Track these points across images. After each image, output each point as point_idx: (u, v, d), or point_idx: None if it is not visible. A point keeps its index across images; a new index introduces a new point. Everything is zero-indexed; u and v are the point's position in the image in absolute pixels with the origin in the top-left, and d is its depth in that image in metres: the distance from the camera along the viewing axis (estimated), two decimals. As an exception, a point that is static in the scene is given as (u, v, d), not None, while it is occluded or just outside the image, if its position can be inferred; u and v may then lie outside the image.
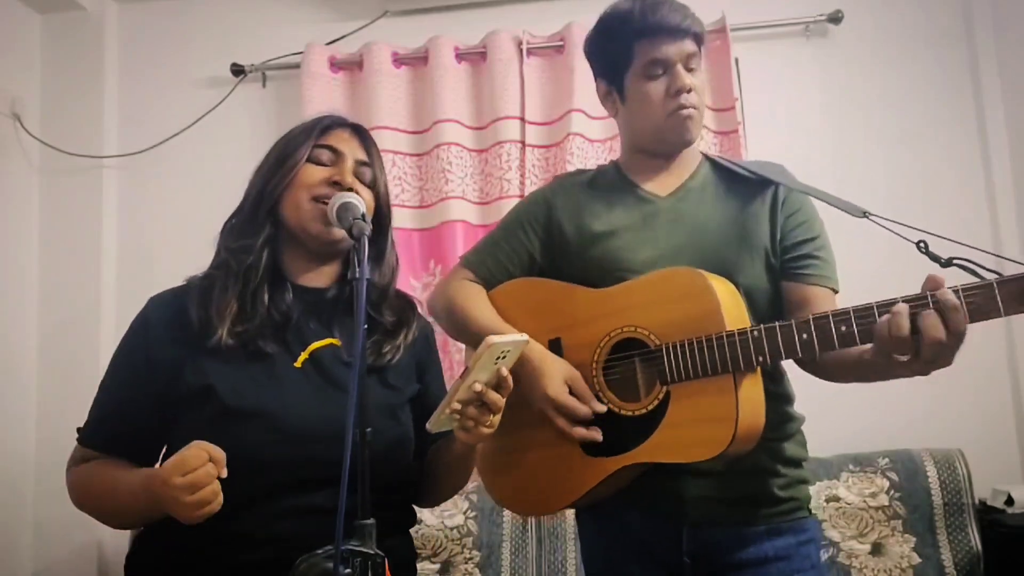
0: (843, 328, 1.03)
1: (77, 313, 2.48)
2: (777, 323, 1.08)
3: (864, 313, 1.02)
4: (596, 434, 1.18)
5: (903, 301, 0.98)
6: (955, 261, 1.04)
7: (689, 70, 1.24)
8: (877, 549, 2.04)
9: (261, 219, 1.14)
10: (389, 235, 1.25)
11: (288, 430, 1.04)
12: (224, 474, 0.93)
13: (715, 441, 1.07)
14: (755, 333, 1.08)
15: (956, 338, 0.95)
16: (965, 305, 0.94)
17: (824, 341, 1.04)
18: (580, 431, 1.18)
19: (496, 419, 1.09)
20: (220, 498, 0.93)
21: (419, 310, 1.29)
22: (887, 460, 2.10)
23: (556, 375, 1.20)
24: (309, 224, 1.13)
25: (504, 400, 1.07)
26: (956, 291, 0.95)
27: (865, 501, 2.06)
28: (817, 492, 2.05)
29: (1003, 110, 2.36)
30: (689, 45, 1.24)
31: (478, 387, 1.05)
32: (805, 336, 1.05)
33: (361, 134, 1.22)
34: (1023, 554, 1.94)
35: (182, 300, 1.11)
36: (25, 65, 2.56)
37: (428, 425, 1.10)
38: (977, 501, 2.07)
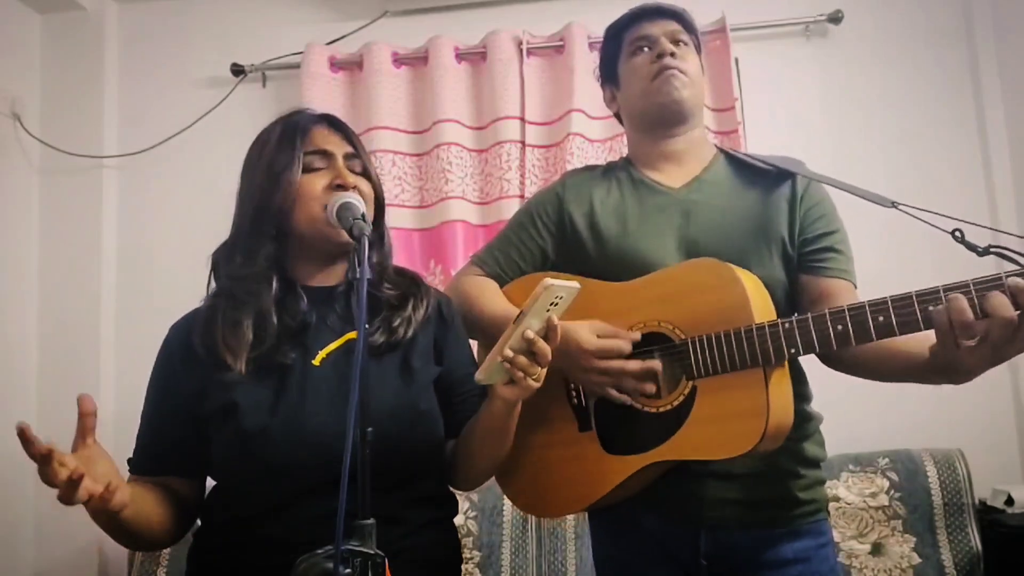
0: (880, 319, 0.97)
1: (77, 313, 2.48)
2: (810, 314, 1.04)
3: (903, 303, 0.96)
4: (650, 386, 1.13)
5: (949, 291, 0.92)
6: (992, 249, 0.99)
7: (675, 43, 1.28)
8: (877, 549, 2.04)
9: (262, 238, 1.12)
10: (384, 221, 1.23)
11: (307, 437, 1.04)
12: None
13: (745, 437, 1.04)
14: (787, 325, 1.04)
15: None
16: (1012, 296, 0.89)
17: (861, 333, 0.98)
18: (631, 384, 1.13)
19: (543, 373, 1.04)
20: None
21: (423, 282, 1.24)
22: (887, 460, 2.10)
23: (584, 331, 1.15)
24: (328, 233, 1.11)
25: (551, 352, 1.02)
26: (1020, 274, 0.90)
27: (865, 501, 2.06)
28: (817, 492, 2.06)
29: (1003, 110, 2.36)
30: (671, 24, 1.30)
31: (530, 334, 0.99)
32: (840, 328, 1.00)
33: (338, 126, 1.20)
34: (1023, 554, 1.94)
35: (190, 328, 1.13)
36: (25, 65, 2.56)
37: (477, 375, 1.06)
38: (977, 501, 2.07)
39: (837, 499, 2.06)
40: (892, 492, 2.06)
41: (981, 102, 2.38)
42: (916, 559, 2.01)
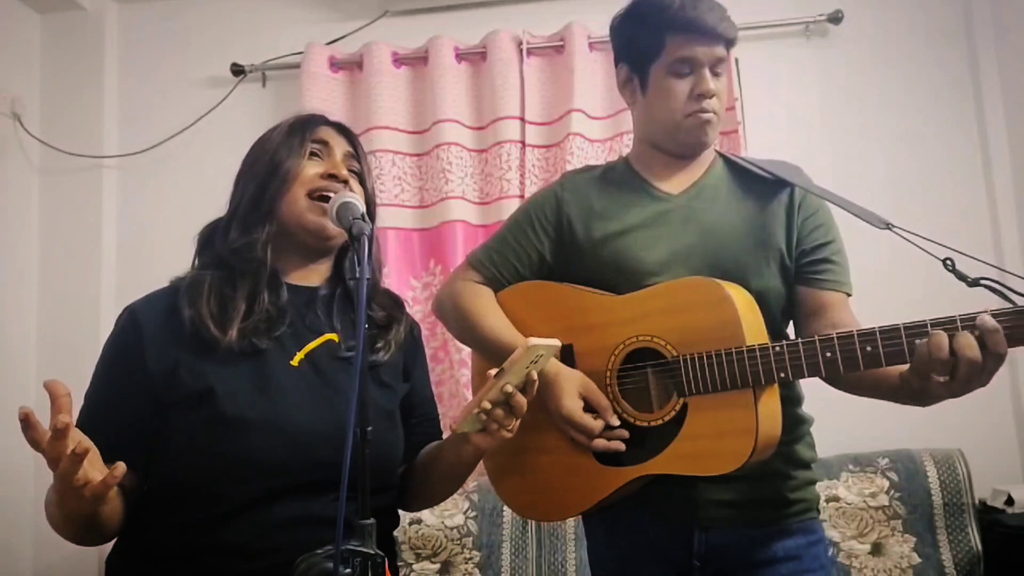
0: (868, 348, 1.00)
1: (77, 313, 2.48)
2: (800, 340, 1.06)
3: (891, 335, 0.99)
4: (618, 444, 1.17)
5: (936, 325, 0.96)
6: (982, 281, 1.02)
7: (715, 75, 1.23)
8: (877, 549, 2.04)
9: (259, 219, 1.13)
10: (375, 232, 1.24)
11: (287, 433, 1.02)
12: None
13: (734, 455, 1.07)
14: (777, 349, 1.06)
15: (996, 359, 0.94)
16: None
17: (849, 361, 1.02)
18: (600, 443, 1.17)
19: (517, 424, 1.09)
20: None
21: (406, 308, 1.28)
22: (887, 460, 2.10)
23: (571, 389, 1.19)
24: (306, 218, 1.12)
25: (527, 405, 1.07)
26: (995, 314, 0.94)
27: (865, 501, 2.06)
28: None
29: (1003, 110, 2.36)
30: (720, 50, 1.23)
31: (509, 388, 1.04)
32: (829, 355, 1.03)
33: (345, 131, 1.23)
34: (1023, 554, 1.94)
35: (172, 301, 1.09)
36: (25, 65, 2.56)
37: (454, 425, 1.10)
38: (977, 501, 2.07)
39: (837, 499, 2.06)
40: (892, 492, 2.06)
41: (981, 102, 2.37)
42: (916, 559, 2.01)
